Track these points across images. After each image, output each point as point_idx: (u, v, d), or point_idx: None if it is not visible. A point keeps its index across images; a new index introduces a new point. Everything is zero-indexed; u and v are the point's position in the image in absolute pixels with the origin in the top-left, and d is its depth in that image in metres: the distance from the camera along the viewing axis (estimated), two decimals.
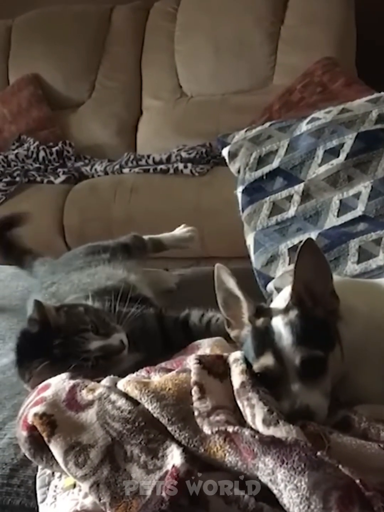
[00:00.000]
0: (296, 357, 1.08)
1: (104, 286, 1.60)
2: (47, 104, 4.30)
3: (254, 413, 0.99)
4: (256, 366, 1.11)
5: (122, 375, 1.21)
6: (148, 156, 3.68)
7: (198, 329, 1.45)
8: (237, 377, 1.07)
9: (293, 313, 1.13)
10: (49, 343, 1.31)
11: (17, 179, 3.74)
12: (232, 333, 1.22)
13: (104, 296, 1.50)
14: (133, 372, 1.22)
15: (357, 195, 1.74)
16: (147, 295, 1.63)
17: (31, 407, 1.12)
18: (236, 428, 0.95)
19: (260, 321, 1.15)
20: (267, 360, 1.10)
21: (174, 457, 0.96)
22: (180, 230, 2.05)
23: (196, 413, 1.01)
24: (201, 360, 1.11)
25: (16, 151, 4.01)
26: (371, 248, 1.68)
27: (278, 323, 1.12)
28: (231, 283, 1.18)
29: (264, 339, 1.12)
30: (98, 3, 4.41)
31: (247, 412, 1.01)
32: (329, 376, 1.10)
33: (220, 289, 1.20)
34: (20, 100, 4.26)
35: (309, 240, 1.15)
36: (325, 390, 1.08)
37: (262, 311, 1.17)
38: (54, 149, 3.98)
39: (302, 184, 1.82)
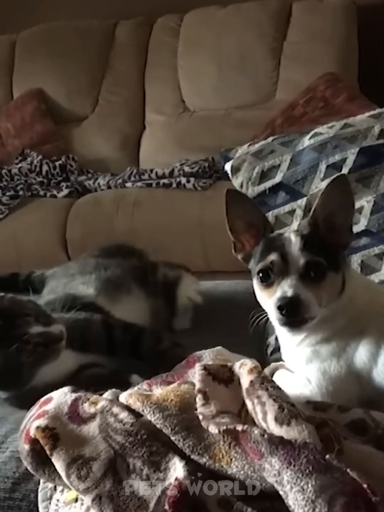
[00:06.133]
0: (301, 259, 1.20)
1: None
2: (50, 119, 4.33)
3: (265, 410, 0.99)
4: (261, 264, 1.24)
5: (68, 376, 1.34)
6: (151, 170, 3.69)
7: (151, 356, 1.51)
8: (245, 378, 1.08)
9: (306, 230, 1.27)
10: None
11: (20, 193, 3.75)
12: (239, 255, 1.35)
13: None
14: (79, 374, 1.37)
15: (360, 210, 1.74)
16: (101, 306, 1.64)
17: (33, 421, 1.12)
18: (245, 426, 0.95)
19: (273, 234, 1.30)
20: (273, 256, 1.22)
21: (177, 470, 0.96)
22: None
23: (200, 417, 1.01)
24: (206, 367, 1.12)
25: (19, 165, 4.03)
26: (374, 263, 1.68)
27: (290, 234, 1.25)
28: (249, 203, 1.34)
29: (274, 244, 1.25)
30: (102, 19, 4.44)
31: (257, 409, 1.01)
32: (325, 290, 1.21)
33: (231, 213, 1.32)
34: (24, 115, 4.28)
35: (343, 176, 1.28)
36: (318, 297, 1.19)
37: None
38: (57, 163, 3.99)
39: (304, 199, 1.82)
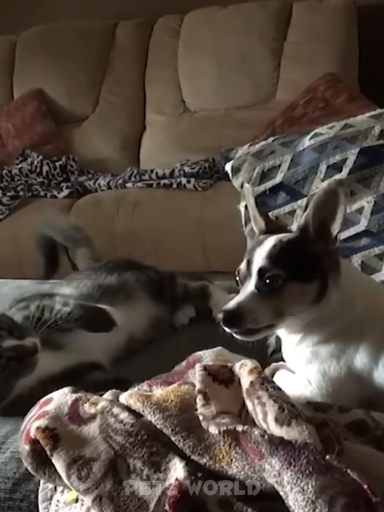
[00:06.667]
0: (256, 266, 1.18)
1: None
2: (51, 119, 4.33)
3: (266, 411, 0.98)
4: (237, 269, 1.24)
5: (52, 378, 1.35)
6: (152, 171, 3.69)
7: None
8: (245, 378, 1.07)
9: (290, 235, 1.23)
10: None
11: (21, 193, 3.75)
12: None
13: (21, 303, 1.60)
14: (68, 375, 1.39)
15: (360, 210, 1.75)
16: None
17: (34, 421, 1.11)
18: (245, 427, 0.95)
19: (263, 236, 1.27)
20: (242, 264, 1.23)
21: (177, 470, 0.96)
22: None
23: (201, 418, 1.01)
24: (206, 367, 1.12)
25: (20, 166, 4.03)
26: (374, 263, 1.68)
27: (271, 239, 1.22)
28: (251, 202, 1.32)
29: (253, 248, 1.23)
30: (102, 19, 4.44)
31: (258, 410, 1.00)
32: (285, 300, 1.18)
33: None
34: (24, 115, 4.28)
35: (339, 182, 1.22)
36: (276, 307, 1.18)
37: (276, 227, 1.32)
38: (57, 164, 3.99)
39: (305, 199, 1.83)
